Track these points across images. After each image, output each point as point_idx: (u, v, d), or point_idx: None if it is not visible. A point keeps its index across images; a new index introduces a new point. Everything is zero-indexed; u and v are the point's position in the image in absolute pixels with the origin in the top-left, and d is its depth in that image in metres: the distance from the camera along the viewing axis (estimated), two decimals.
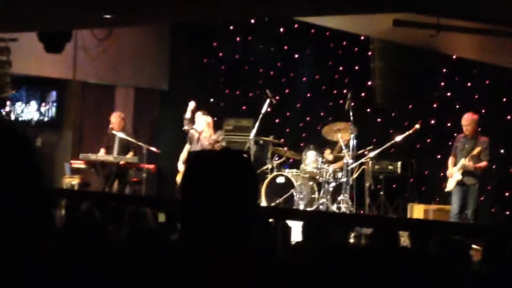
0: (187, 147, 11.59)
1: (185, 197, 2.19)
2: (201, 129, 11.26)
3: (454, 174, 10.28)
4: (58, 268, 3.84)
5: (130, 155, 12.21)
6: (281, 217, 5.41)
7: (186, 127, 11.57)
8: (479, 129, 10.36)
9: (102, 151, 12.35)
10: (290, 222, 6.29)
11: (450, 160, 10.50)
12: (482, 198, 11.62)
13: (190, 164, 2.24)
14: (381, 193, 11.75)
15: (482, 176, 10.21)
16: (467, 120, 10.29)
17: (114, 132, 12.23)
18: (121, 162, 12.05)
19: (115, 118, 12.40)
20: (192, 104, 11.60)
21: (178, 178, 11.56)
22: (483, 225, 9.65)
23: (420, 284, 1.98)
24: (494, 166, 11.63)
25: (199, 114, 11.47)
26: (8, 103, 14.26)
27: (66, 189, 11.66)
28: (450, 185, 10.36)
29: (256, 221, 2.24)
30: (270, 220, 5.30)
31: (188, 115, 11.59)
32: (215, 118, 11.85)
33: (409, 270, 1.99)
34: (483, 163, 10.18)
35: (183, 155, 11.64)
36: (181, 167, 11.54)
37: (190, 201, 2.17)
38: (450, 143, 10.63)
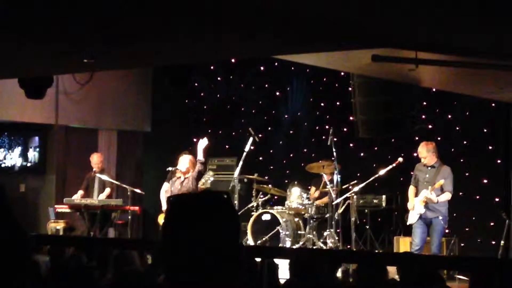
0: (165, 187, 11.50)
1: (167, 241, 2.20)
2: (185, 169, 11.17)
3: (415, 206, 10.19)
4: None
5: (107, 193, 12.26)
6: (267, 256, 5.41)
7: (172, 168, 11.33)
8: (436, 155, 10.31)
9: (80, 192, 12.38)
10: (277, 260, 6.29)
11: (411, 191, 10.41)
12: (467, 229, 11.67)
13: (171, 208, 2.25)
14: (367, 227, 11.76)
15: (445, 207, 10.18)
16: (424, 151, 10.26)
17: (98, 174, 12.28)
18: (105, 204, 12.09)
19: (96, 159, 12.47)
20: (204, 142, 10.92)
21: (160, 219, 11.51)
22: (470, 258, 9.64)
23: None
24: (478, 197, 11.71)
25: (182, 155, 11.36)
26: None
27: (50, 235, 11.62)
28: (413, 219, 10.23)
29: (241, 261, 2.24)
30: (257, 259, 5.30)
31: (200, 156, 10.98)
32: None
33: None
34: (447, 196, 10.11)
35: (164, 195, 11.56)
36: (165, 207, 11.45)
37: (172, 245, 2.18)
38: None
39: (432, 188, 10.00)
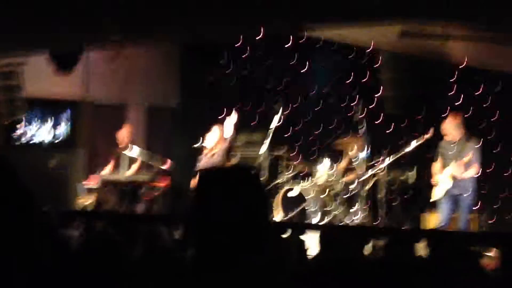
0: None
1: (196, 215, 2.20)
2: (213, 144, 11.20)
3: (442, 182, 10.08)
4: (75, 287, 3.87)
5: (135, 169, 12.32)
6: (295, 231, 5.43)
7: (198, 145, 11.41)
8: (463, 131, 10.19)
9: (109, 167, 12.46)
10: (305, 236, 6.30)
11: (436, 166, 10.30)
12: (497, 206, 11.59)
13: (199, 182, 2.25)
14: (395, 203, 11.72)
15: (471, 183, 10.08)
16: (450, 126, 10.11)
17: (125, 150, 12.35)
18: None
19: (124, 134, 12.52)
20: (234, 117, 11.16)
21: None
22: (499, 234, 9.57)
23: None
24: (508, 173, 11.61)
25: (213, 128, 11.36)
26: (20, 125, 14.35)
27: (80, 210, 11.74)
28: (439, 194, 10.11)
29: (268, 236, 2.24)
30: (284, 235, 5.32)
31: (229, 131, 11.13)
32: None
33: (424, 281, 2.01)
34: (473, 171, 9.97)
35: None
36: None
37: (201, 219, 2.18)
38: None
39: (458, 164, 9.90)
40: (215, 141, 11.17)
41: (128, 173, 12.38)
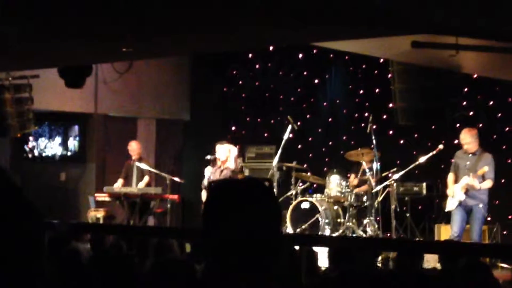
0: (207, 175, 11.50)
1: (207, 227, 2.18)
2: (224, 158, 11.24)
3: (455, 193, 10.03)
4: None
5: (145, 182, 12.32)
6: (306, 244, 5.39)
7: (210, 157, 11.45)
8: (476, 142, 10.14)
9: (120, 181, 12.46)
10: (317, 248, 6.26)
11: (450, 178, 10.26)
12: (510, 217, 11.51)
13: (211, 194, 2.23)
14: (407, 215, 11.67)
15: (486, 195, 10.01)
16: (467, 137, 10.08)
17: (136, 163, 12.35)
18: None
19: (134, 147, 12.55)
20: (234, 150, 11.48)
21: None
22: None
23: None
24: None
25: (220, 144, 11.42)
26: (31, 139, 14.39)
27: (91, 223, 11.74)
28: (452, 205, 10.07)
29: (281, 248, 2.21)
30: (296, 247, 5.28)
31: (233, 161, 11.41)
32: (237, 146, 11.86)
33: None
34: (488, 183, 9.92)
35: (204, 184, 11.58)
36: (204, 196, 11.50)
37: (212, 231, 2.16)
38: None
39: (475, 175, 9.85)
40: (227, 155, 11.22)
41: (140, 185, 12.38)
